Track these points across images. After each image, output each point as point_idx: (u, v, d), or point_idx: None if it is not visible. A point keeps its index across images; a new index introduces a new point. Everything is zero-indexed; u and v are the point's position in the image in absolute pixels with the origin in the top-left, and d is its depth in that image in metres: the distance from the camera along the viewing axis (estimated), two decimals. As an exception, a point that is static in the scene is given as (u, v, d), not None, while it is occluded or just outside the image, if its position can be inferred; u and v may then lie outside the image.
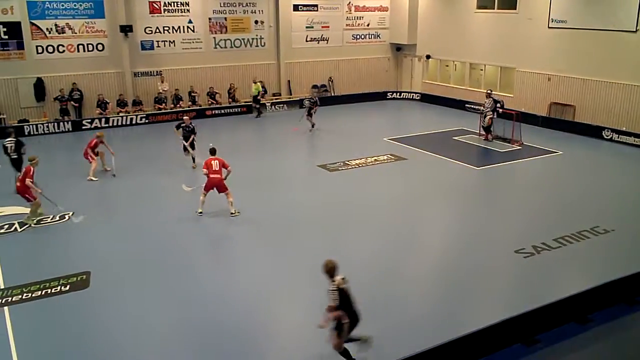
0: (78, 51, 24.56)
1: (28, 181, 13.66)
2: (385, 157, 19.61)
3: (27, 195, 13.80)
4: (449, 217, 14.90)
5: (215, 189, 14.16)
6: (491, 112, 21.78)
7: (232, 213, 14.28)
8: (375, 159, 19.37)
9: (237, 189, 16.30)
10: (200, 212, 14.31)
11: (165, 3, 25.93)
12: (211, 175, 13.99)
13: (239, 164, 18.89)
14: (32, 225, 13.77)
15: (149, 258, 12.00)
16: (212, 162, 14.09)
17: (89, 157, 17.56)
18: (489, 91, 22.70)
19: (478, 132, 22.81)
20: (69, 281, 10.90)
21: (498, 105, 21.87)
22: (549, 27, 24.72)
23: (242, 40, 28.13)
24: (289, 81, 29.52)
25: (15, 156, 16.17)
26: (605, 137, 22.27)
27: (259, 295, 10.52)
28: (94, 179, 17.35)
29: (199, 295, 10.47)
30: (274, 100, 28.17)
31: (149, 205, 15.19)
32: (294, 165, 19.30)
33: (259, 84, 26.56)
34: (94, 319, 9.71)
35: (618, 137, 21.86)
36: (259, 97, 26.50)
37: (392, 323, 9.63)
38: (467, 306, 10.25)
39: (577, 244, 12.66)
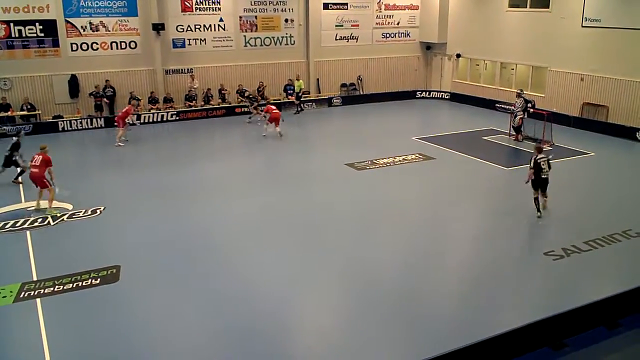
0: (111, 49, 24.99)
1: (50, 168, 14.43)
2: (413, 157, 19.52)
3: (42, 182, 14.35)
4: (477, 218, 14.77)
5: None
6: (522, 112, 21.52)
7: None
8: (403, 158, 19.30)
9: (264, 186, 16.48)
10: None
11: (197, 1, 26.20)
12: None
13: (258, 162, 19.06)
14: (56, 214, 14.23)
15: (177, 254, 12.17)
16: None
17: (120, 122, 20.64)
18: (519, 91, 22.42)
19: (508, 132, 22.57)
20: (100, 275, 11.12)
21: (529, 105, 21.60)
22: (582, 26, 24.29)
23: (272, 39, 28.27)
24: (317, 79, 29.57)
25: (8, 154, 16.64)
26: (639, 138, 21.82)
27: (288, 294, 10.59)
28: (121, 144, 19.65)
29: (227, 293, 10.56)
30: (303, 98, 28.24)
31: (178, 200, 15.40)
32: (321, 163, 19.31)
33: (301, 81, 27.13)
34: (122, 313, 9.90)
35: (652, 138, 21.45)
36: (300, 94, 27.06)
37: (418, 323, 9.62)
38: (494, 308, 10.16)
39: (608, 247, 12.44)
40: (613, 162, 19.69)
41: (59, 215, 14.31)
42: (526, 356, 8.68)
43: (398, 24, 31.52)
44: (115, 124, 21.76)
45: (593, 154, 20.11)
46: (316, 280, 11.13)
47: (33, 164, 14.44)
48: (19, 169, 16.64)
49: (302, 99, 27.38)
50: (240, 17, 27.31)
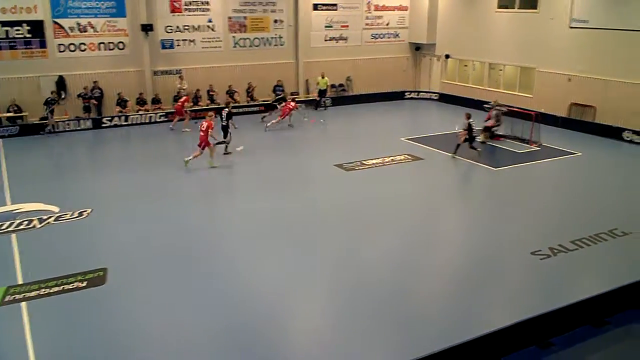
0: (99, 50, 24.82)
1: (210, 131, 17.91)
2: (402, 157, 19.56)
3: (207, 142, 17.99)
4: (465, 218, 14.84)
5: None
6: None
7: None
8: (392, 159, 19.33)
9: (253, 187, 16.47)
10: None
11: (186, 2, 26.10)
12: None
13: (245, 162, 19.04)
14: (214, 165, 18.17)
15: (166, 256, 12.11)
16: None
17: (183, 112, 23.42)
18: (492, 103, 22.77)
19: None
20: (87, 277, 11.04)
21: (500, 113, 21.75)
22: (570, 27, 24.45)
23: (261, 40, 28.21)
24: (307, 80, 29.55)
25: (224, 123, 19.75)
26: (626, 138, 22.00)
27: (280, 296, 10.55)
28: (187, 129, 22.58)
29: (216, 295, 10.51)
30: (292, 99, 28.23)
31: (167, 202, 15.33)
32: (311, 164, 19.31)
33: (326, 78, 28.10)
34: (109, 316, 9.82)
35: (638, 138, 21.59)
36: (325, 90, 28.23)
37: (408, 323, 9.64)
38: (482, 307, 10.21)
39: (594, 247, 12.54)
40: (600, 162, 19.82)
41: (217, 166, 18.28)
42: (513, 355, 8.72)
43: (387, 24, 31.56)
44: (176, 114, 23.91)
45: (580, 154, 20.23)
46: (307, 282, 11.12)
47: (200, 129, 18.07)
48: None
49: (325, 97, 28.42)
50: (230, 17, 27.23)
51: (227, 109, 20.19)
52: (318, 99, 28.22)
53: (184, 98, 24.17)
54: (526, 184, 17.57)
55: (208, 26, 26.82)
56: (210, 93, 26.66)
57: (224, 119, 19.91)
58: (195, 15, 26.43)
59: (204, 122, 18.07)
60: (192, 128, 22.48)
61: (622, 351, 9.06)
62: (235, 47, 27.59)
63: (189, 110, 24.28)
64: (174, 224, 13.82)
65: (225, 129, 19.89)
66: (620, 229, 13.39)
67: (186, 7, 26.17)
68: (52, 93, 23.30)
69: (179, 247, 12.50)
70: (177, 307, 10.09)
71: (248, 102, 27.17)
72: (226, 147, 19.84)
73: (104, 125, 24.02)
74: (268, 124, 23.51)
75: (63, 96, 24.02)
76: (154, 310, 9.99)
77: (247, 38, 27.86)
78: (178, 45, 26.35)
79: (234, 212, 14.73)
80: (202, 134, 17.97)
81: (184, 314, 9.86)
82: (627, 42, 22.38)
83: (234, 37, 27.48)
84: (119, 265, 11.59)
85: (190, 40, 26.55)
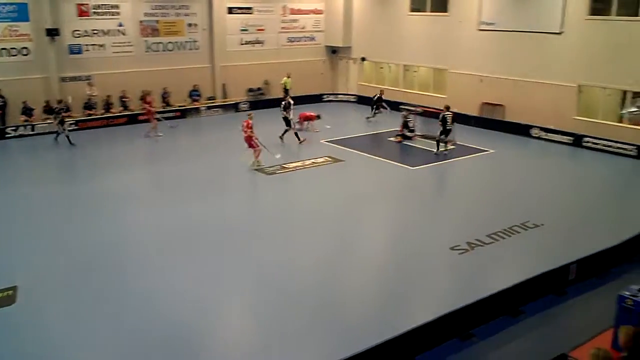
0: (1, 56, 23.41)
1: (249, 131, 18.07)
2: (322, 160, 19.60)
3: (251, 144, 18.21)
4: (386, 218, 15.03)
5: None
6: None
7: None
8: (312, 162, 19.33)
9: (169, 195, 16.01)
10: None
11: (94, 6, 25.09)
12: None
13: (162, 170, 18.54)
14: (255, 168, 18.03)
15: (79, 270, 11.49)
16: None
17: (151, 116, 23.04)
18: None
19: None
20: (-8, 297, 10.31)
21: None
22: (479, 29, 25.39)
23: (175, 44, 27.54)
24: (224, 85, 29.12)
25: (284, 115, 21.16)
26: (534, 135, 23.08)
27: (202, 305, 10.26)
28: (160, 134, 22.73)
29: (129, 308, 10.09)
30: (209, 104, 27.76)
31: (78, 214, 14.60)
32: (230, 169, 18.93)
33: (289, 79, 28.52)
34: (19, 337, 9.18)
35: (545, 134, 22.70)
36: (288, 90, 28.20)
37: (330, 325, 9.61)
38: (405, 304, 10.36)
39: (508, 239, 13.01)
40: (511, 158, 20.67)
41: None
42: (435, 350, 8.86)
43: (303, 28, 31.65)
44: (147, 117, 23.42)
45: (493, 151, 21.02)
46: (230, 288, 10.87)
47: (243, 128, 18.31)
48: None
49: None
50: (141, 21, 26.41)
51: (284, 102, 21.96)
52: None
53: (149, 98, 23.53)
54: (443, 181, 18.07)
55: (118, 30, 25.90)
56: (123, 99, 25.74)
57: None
58: (104, 19, 25.46)
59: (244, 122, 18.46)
60: (164, 132, 22.80)
61: (538, 338, 9.40)
62: (147, 51, 26.79)
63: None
64: (86, 236, 13.16)
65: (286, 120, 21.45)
66: (532, 221, 13.97)
67: (94, 10, 25.16)
68: None
69: (94, 260, 11.92)
70: (88, 325, 9.57)
71: (164, 108, 26.39)
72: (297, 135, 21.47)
73: (8, 135, 22.66)
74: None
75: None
76: (67, 327, 9.45)
77: (160, 42, 27.13)
78: (87, 50, 25.27)
79: (152, 221, 14.20)
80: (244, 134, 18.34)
81: (98, 329, 9.38)
82: (531, 44, 23.50)
83: (146, 41, 26.67)
84: (31, 282, 10.87)
85: (100, 45, 25.53)
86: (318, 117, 23.80)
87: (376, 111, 26.07)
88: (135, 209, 14.95)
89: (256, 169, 18.13)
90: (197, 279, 11.12)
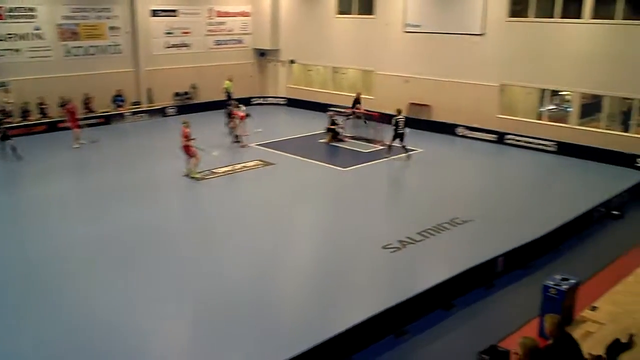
0: None
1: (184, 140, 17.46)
2: (253, 164, 19.39)
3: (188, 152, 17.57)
4: (318, 219, 15.02)
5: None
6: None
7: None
8: (243, 166, 19.11)
9: (96, 204, 15.46)
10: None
11: (8, 9, 23.85)
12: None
13: (88, 179, 17.88)
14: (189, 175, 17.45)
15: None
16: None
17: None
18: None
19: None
20: None
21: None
22: (404, 31, 25.86)
23: (97, 48, 26.55)
24: (149, 89, 28.34)
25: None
26: (459, 134, 23.72)
27: (130, 317, 9.88)
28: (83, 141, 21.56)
29: (51, 322, 9.63)
30: (134, 110, 26.96)
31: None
32: (159, 175, 18.38)
33: (230, 82, 28.03)
34: None
35: (470, 133, 23.38)
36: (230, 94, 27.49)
37: (264, 331, 9.48)
38: (339, 305, 10.36)
39: (438, 236, 13.28)
40: (438, 156, 21.14)
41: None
42: (370, 348, 8.88)
43: (231, 30, 31.27)
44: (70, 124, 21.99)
45: (421, 150, 21.42)
46: (159, 299, 10.51)
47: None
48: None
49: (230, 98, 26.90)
50: (59, 25, 25.31)
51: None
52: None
53: (70, 105, 22.29)
54: (373, 181, 18.21)
55: (35, 34, 24.74)
56: (42, 106, 24.59)
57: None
58: (19, 22, 24.22)
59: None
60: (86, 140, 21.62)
61: (468, 331, 9.61)
62: (67, 56, 25.69)
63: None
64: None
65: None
66: (460, 217, 14.32)
67: (9, 14, 23.91)
68: None
69: (11, 275, 11.28)
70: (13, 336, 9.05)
71: (86, 115, 25.37)
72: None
73: None
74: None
75: None
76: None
77: (81, 46, 26.08)
78: (1, 56, 23.96)
79: (80, 231, 13.59)
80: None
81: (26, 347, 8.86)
82: (454, 45, 24.16)
83: (65, 45, 25.59)
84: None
85: (16, 50, 24.30)
86: (248, 115, 23.31)
87: (350, 116, 24.75)
88: (57, 221, 14.29)
89: (190, 176, 17.61)
90: (121, 292, 10.72)
